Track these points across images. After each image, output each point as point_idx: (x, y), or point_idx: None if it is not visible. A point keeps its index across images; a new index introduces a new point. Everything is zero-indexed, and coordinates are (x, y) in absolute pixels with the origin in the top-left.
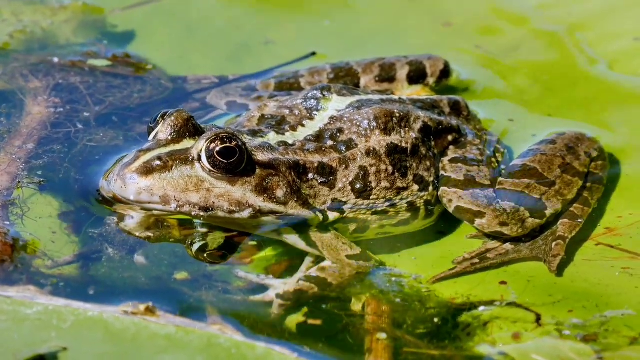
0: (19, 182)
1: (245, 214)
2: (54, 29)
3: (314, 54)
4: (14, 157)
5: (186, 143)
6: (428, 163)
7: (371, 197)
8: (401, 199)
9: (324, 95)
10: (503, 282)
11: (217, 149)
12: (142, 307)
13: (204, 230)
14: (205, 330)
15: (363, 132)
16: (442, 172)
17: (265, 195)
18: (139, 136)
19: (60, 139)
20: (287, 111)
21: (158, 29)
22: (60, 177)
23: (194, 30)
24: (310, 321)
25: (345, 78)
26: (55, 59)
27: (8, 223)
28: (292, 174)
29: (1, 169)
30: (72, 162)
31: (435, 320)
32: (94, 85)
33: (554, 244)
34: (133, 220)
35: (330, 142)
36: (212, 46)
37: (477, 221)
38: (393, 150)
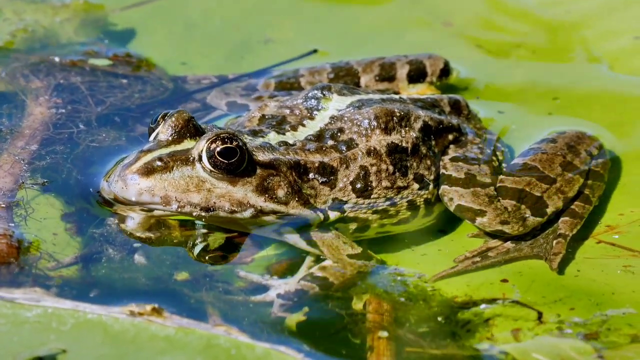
0: (22, 182)
1: (247, 214)
2: (55, 28)
3: (315, 51)
4: (17, 158)
5: (187, 144)
6: (428, 162)
7: (372, 197)
8: (401, 198)
9: (324, 95)
10: (504, 280)
11: (218, 149)
12: (148, 307)
13: (205, 230)
14: (207, 331)
15: (364, 132)
16: (442, 171)
17: (267, 195)
18: (140, 136)
19: (63, 140)
20: (287, 111)
21: (157, 28)
22: (63, 178)
23: (193, 30)
24: (311, 320)
25: (345, 77)
26: (56, 59)
27: (13, 225)
28: (293, 173)
29: (5, 170)
30: (75, 163)
31: (439, 318)
32: (95, 85)
33: (555, 242)
34: (134, 221)
35: (330, 142)
36: (212, 45)
37: (478, 220)
38: (393, 150)
